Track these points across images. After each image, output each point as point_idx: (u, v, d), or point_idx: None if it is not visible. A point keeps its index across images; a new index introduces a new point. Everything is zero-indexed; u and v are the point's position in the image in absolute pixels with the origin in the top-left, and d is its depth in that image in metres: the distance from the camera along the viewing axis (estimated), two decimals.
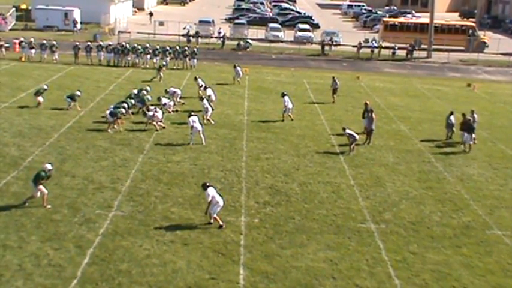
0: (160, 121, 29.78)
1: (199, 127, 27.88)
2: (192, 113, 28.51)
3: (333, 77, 39.68)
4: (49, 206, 20.41)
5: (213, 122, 31.28)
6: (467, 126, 30.14)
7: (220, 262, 17.55)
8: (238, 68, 42.84)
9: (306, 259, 18.08)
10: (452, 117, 31.41)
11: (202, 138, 27.88)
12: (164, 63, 45.09)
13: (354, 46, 61.80)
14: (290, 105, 33.07)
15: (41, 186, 20.32)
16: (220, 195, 20.12)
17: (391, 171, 26.28)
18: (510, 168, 27.92)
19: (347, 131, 28.29)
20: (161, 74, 41.54)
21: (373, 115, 30.06)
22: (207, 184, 20.00)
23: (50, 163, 21.74)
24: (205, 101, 31.67)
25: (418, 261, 18.41)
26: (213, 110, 32.17)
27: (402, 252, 18.95)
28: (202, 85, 36.97)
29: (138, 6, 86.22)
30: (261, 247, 18.62)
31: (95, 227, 19.14)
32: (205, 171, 24.70)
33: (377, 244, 19.36)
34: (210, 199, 19.54)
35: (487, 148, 30.72)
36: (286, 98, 33.13)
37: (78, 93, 32.71)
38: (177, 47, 49.73)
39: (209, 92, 34.57)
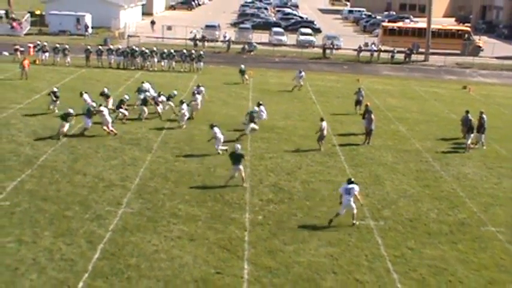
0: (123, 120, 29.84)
1: (221, 137, 26.45)
2: (214, 124, 26.95)
3: (359, 88, 37.77)
4: (246, 185, 22.76)
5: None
6: (468, 127, 30.17)
7: (225, 257, 17.57)
8: (302, 73, 42.60)
9: (307, 254, 18.09)
10: (469, 116, 31.06)
11: (220, 148, 26.63)
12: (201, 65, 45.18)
13: (354, 50, 61.88)
14: (264, 116, 31.75)
15: (240, 166, 22.56)
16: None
17: (389, 170, 26.27)
18: (504, 167, 27.90)
19: (323, 123, 28.11)
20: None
21: (373, 116, 30.05)
22: (351, 180, 20.51)
23: (239, 144, 23.48)
24: (184, 105, 30.42)
25: (416, 257, 18.42)
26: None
27: (400, 248, 18.96)
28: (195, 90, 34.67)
29: (147, 12, 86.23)
30: (265, 243, 18.64)
31: (105, 223, 19.21)
32: (211, 170, 24.73)
33: (376, 240, 19.37)
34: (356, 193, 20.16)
35: (480, 148, 30.66)
36: (262, 107, 31.69)
37: (70, 111, 28.20)
38: (184, 51, 49.78)
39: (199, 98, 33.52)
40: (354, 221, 20.34)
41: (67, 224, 19.02)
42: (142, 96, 32.28)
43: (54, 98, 31.68)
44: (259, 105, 31.92)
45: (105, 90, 33.14)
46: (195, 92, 34.09)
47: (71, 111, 27.96)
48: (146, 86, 34.70)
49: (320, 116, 30.30)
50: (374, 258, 18.18)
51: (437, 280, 17.17)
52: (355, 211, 20.21)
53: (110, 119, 28.36)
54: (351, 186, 20.18)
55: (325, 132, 28.16)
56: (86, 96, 31.33)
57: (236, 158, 22.84)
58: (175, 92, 33.70)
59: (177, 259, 17.27)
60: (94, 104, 29.33)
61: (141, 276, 16.28)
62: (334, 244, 18.87)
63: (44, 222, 19.10)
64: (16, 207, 20.05)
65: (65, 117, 27.41)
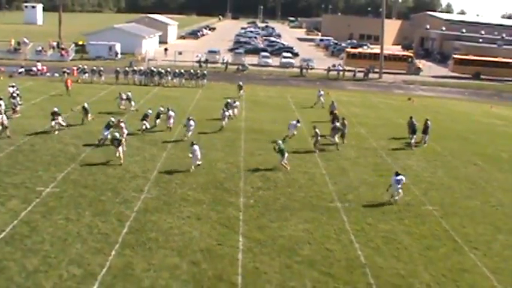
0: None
1: (198, 154, 23.60)
2: (194, 142, 24.31)
3: (332, 101, 37.37)
4: (288, 167, 23.91)
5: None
6: (412, 129, 30.30)
7: (224, 232, 17.60)
8: (321, 92, 41.52)
9: (289, 230, 18.13)
10: (413, 120, 30.95)
11: (196, 163, 23.79)
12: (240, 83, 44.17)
13: (324, 69, 61.81)
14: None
15: (286, 154, 23.91)
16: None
17: (353, 163, 26.33)
18: (439, 160, 28.05)
19: (316, 130, 28.09)
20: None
21: (346, 122, 30.05)
22: (398, 172, 21.16)
23: (280, 141, 25.04)
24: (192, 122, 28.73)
25: (372, 230, 18.51)
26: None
27: (360, 223, 19.04)
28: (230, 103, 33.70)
29: (163, 41, 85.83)
30: (255, 221, 18.66)
31: (131, 206, 19.19)
32: (213, 164, 24.66)
33: (342, 218, 19.44)
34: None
35: (422, 146, 30.78)
36: (298, 124, 30.02)
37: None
38: (191, 70, 49.62)
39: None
40: (394, 202, 20.91)
41: (102, 206, 19.00)
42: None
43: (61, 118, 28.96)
44: (298, 121, 30.19)
45: (85, 104, 31.43)
46: (228, 106, 33.13)
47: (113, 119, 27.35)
48: (126, 94, 34.75)
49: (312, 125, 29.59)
50: (340, 232, 18.26)
51: (389, 248, 17.28)
52: (400, 195, 20.96)
53: (126, 131, 27.14)
54: (399, 177, 20.69)
55: (319, 137, 27.74)
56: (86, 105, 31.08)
57: (281, 151, 23.88)
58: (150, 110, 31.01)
59: (187, 234, 17.29)
60: (113, 119, 27.60)
61: (159, 247, 16.29)
62: (309, 221, 18.93)
63: (85, 204, 19.08)
64: (64, 192, 20.02)
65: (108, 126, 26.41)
